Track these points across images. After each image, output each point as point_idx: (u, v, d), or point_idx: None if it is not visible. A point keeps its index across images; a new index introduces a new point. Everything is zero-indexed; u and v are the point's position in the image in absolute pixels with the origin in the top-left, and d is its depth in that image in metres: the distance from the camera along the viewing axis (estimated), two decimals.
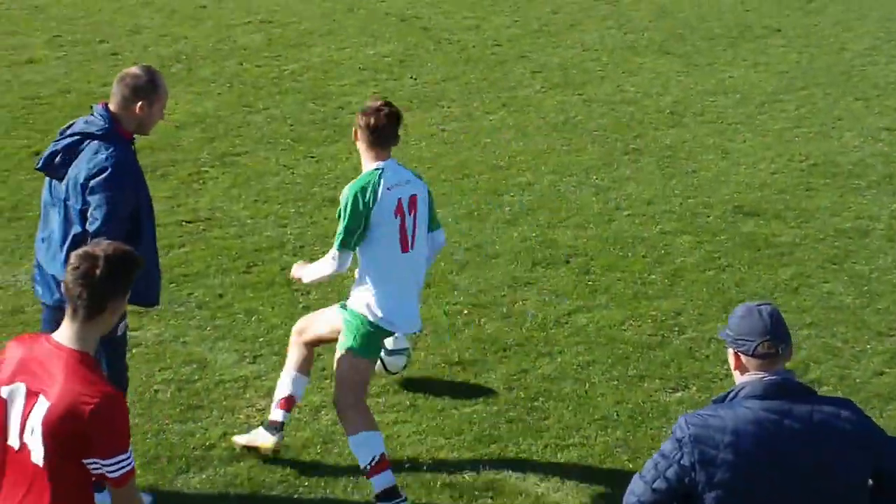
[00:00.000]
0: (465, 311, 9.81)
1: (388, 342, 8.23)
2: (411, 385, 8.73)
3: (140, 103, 6.89)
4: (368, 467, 7.43)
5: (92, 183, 6.75)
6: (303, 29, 16.31)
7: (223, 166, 12.19)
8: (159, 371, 8.70)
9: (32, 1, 16.55)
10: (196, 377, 8.65)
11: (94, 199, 6.75)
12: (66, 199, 6.86)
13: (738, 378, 4.94)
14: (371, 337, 7.63)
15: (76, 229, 6.82)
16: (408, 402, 8.53)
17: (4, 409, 4.87)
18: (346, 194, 7.57)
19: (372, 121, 7.55)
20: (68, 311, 4.84)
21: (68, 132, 6.92)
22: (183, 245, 10.63)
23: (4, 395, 4.87)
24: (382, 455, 7.46)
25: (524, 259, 10.74)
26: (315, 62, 15.15)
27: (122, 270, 4.84)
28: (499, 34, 16.63)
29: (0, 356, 4.97)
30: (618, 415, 8.48)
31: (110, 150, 6.82)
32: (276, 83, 14.37)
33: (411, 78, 14.82)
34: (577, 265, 10.66)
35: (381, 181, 7.57)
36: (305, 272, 7.84)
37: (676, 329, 9.62)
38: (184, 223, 11.00)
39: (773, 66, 16.12)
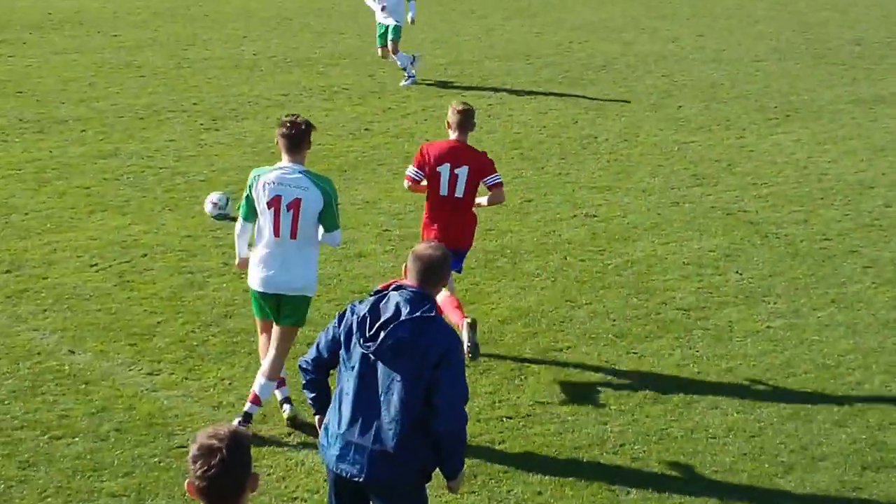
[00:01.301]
0: None
1: (209, 208, 11.78)
2: None
3: (446, 279, 7.67)
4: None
5: (444, 362, 7.30)
6: (627, 223, 16.31)
7: (545, 361, 12.20)
8: None
9: (364, 196, 17.12)
10: None
11: (447, 376, 7.32)
12: (405, 378, 7.32)
13: None
14: (253, 298, 10.58)
15: (420, 406, 7.32)
16: None
17: None
18: None
19: (280, 130, 10.20)
20: None
21: (403, 318, 7.32)
22: (503, 441, 10.62)
23: None
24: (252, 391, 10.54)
25: (853, 462, 10.31)
26: (639, 256, 15.10)
27: (244, 452, 4.94)
28: (828, 228, 16.27)
29: None
30: None
31: (449, 331, 7.49)
32: (600, 277, 14.38)
33: (737, 273, 14.60)
34: None
35: (266, 176, 10.19)
36: None
37: None
38: (504, 419, 11.00)
39: None
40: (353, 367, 7.42)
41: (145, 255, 14.63)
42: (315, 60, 25.79)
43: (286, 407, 10.80)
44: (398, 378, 7.33)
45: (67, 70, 23.96)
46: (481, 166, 11.98)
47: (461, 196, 11.93)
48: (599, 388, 11.65)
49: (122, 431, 10.56)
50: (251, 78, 24.02)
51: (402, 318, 7.33)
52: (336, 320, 7.59)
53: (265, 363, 10.65)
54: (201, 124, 20.57)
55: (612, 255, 15.12)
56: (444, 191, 11.91)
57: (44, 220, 15.72)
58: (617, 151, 19.70)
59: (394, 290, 7.49)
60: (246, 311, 13.03)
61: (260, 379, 10.62)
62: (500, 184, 12.16)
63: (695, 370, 12.08)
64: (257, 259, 10.47)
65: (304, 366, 7.75)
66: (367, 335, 7.36)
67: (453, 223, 12.04)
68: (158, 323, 12.77)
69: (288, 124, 10.24)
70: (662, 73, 25.63)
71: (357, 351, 7.41)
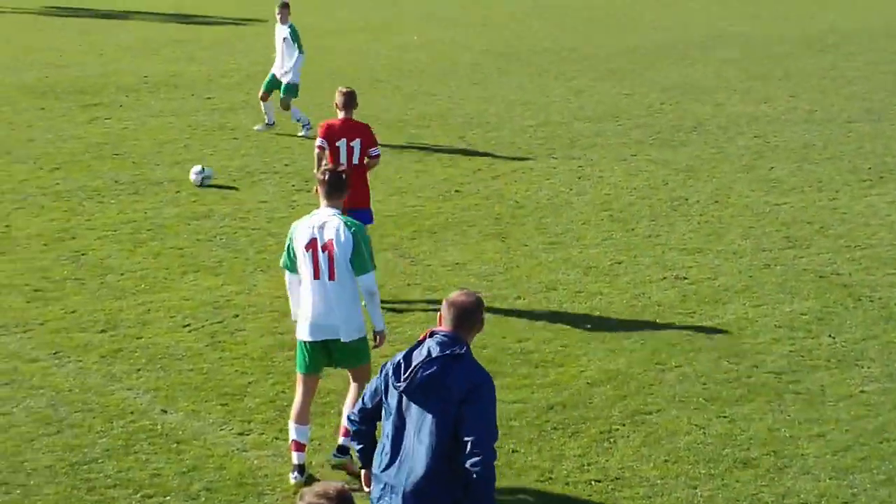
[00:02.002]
0: None
1: (193, 178, 16.17)
2: None
3: (479, 325, 7.92)
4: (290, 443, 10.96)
5: (471, 397, 7.60)
6: (718, 285, 16.21)
7: (634, 424, 12.14)
8: None
9: (454, 257, 17.17)
10: None
11: (474, 412, 7.58)
12: (435, 416, 7.61)
13: None
14: (300, 351, 10.92)
15: (448, 442, 7.60)
16: None
17: None
18: None
19: (319, 177, 10.88)
20: None
21: (433, 357, 7.66)
22: None
23: None
24: (294, 440, 10.86)
25: None
26: (730, 319, 15.00)
27: None
28: None
29: None
30: None
31: (477, 369, 7.75)
32: (690, 340, 14.30)
33: (829, 336, 14.44)
34: None
35: (303, 222, 10.79)
36: None
37: None
38: (593, 482, 10.96)
39: None
40: (390, 413, 7.80)
41: (237, 315, 14.78)
42: (406, 122, 25.98)
43: (296, 475, 10.88)
44: (429, 417, 7.65)
45: (163, 132, 24.33)
46: (369, 139, 15.20)
47: (357, 163, 15.02)
48: (689, 452, 11.57)
49: (212, 491, 10.66)
50: None
51: (433, 357, 7.67)
52: (379, 372, 7.96)
53: (349, 400, 11.04)
54: (293, 185, 20.78)
55: (703, 318, 15.04)
56: (343, 160, 14.90)
57: (138, 280, 15.95)
58: (708, 213, 19.62)
59: (429, 337, 7.83)
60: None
61: (346, 412, 10.86)
62: (378, 154, 15.34)
63: (786, 434, 11.96)
64: (302, 307, 10.88)
65: (352, 417, 8.12)
66: (401, 378, 7.71)
67: (353, 187, 14.35)
68: (249, 383, 12.89)
69: (327, 172, 10.87)
70: (754, 134, 25.52)
71: (393, 395, 7.78)
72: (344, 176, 10.87)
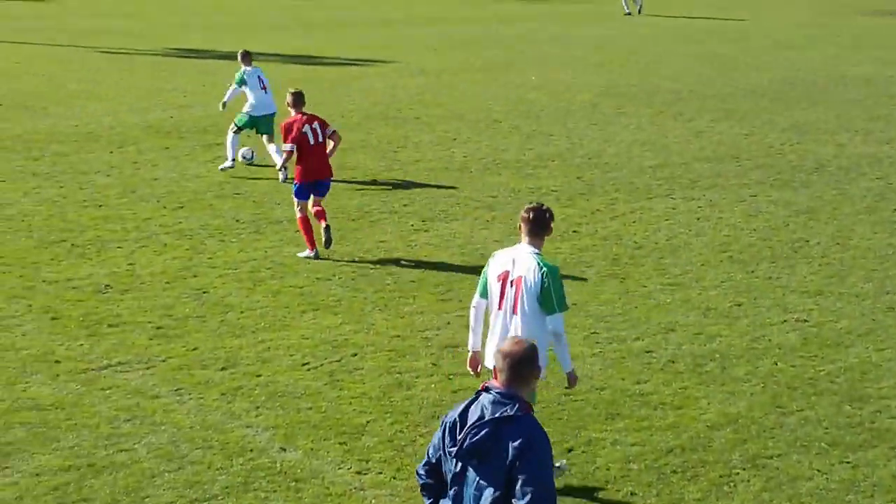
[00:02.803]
0: None
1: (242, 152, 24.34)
2: None
3: (535, 373, 7.62)
4: None
5: (523, 460, 7.34)
6: (840, 328, 15.98)
7: (754, 469, 11.98)
8: None
9: (571, 298, 17.04)
10: None
11: (526, 473, 7.32)
12: (490, 479, 7.43)
13: None
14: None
15: (506, 501, 7.39)
16: None
17: None
18: None
19: (523, 214, 11.04)
20: None
21: (484, 420, 7.45)
22: None
23: None
24: None
25: None
26: (852, 363, 14.77)
27: None
28: None
29: None
30: None
31: (531, 428, 7.44)
32: (812, 384, 14.10)
33: None
34: None
35: (502, 253, 11.16)
36: None
37: None
38: None
39: None
40: (450, 469, 7.63)
41: (355, 354, 14.86)
42: (524, 162, 26.00)
43: None
44: (484, 480, 7.47)
45: None
46: (324, 123, 19.34)
47: (322, 141, 19.15)
48: (812, 498, 11.39)
49: None
50: (461, 180, 24.32)
51: (484, 419, 7.48)
52: (440, 426, 7.78)
53: None
54: (411, 225, 20.88)
55: (825, 362, 14.82)
56: (312, 140, 19.03)
57: (258, 318, 16.11)
58: (829, 255, 19.37)
59: (484, 391, 7.62)
60: None
61: None
62: (335, 130, 19.57)
63: None
64: (490, 335, 11.18)
65: (419, 471, 7.93)
66: (456, 440, 7.55)
67: (320, 159, 19.13)
68: (367, 422, 12.94)
69: (530, 209, 11.05)
70: (877, 175, 25.17)
71: (449, 454, 7.62)
72: (548, 215, 11.03)
